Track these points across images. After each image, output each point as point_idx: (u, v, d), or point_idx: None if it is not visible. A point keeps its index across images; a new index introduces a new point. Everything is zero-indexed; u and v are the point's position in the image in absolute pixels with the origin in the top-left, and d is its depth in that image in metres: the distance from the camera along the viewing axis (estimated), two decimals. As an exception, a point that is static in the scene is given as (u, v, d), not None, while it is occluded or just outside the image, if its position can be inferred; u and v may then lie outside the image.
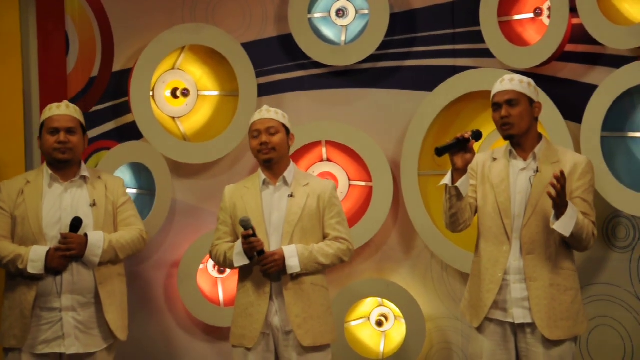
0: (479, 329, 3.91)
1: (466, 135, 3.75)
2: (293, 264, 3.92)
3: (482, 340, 3.90)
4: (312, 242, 4.01)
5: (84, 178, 4.13)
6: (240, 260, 3.95)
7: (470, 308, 3.96)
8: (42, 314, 3.99)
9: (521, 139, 3.87)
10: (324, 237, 4.05)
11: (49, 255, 3.94)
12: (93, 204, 4.08)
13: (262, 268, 3.94)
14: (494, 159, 3.93)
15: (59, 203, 4.05)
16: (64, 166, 4.10)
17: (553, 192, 3.62)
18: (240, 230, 3.95)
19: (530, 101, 3.86)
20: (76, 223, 3.98)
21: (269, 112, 4.06)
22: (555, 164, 3.83)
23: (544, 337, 3.78)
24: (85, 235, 4.00)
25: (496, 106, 3.87)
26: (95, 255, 4.00)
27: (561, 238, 3.77)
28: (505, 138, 3.89)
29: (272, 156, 4.01)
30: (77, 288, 4.00)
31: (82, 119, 4.17)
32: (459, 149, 3.74)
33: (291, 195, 4.01)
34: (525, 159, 3.87)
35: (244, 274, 4.03)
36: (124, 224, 4.17)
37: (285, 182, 4.04)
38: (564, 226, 3.67)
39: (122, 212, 4.19)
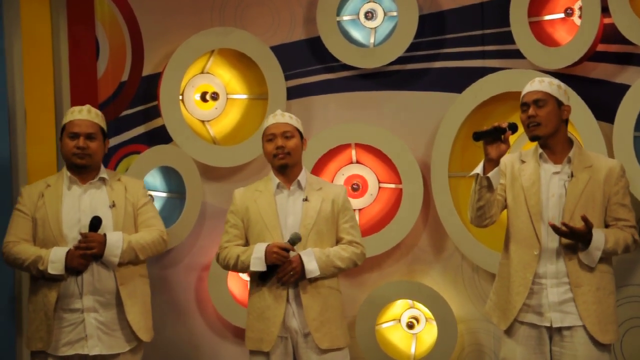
0: (509, 332, 3.90)
1: (503, 125, 3.75)
2: (312, 268, 3.93)
3: (513, 344, 3.88)
4: (326, 246, 4.02)
5: (102, 180, 4.13)
6: (258, 265, 3.93)
7: (497, 310, 3.95)
8: (65, 315, 4.00)
9: (548, 140, 3.87)
10: (337, 240, 4.07)
11: (69, 255, 3.94)
12: (112, 205, 4.08)
13: (281, 279, 3.93)
14: (522, 162, 3.93)
15: (77, 205, 4.06)
16: (82, 170, 4.10)
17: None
18: (255, 233, 3.99)
19: (559, 103, 3.86)
20: (95, 222, 3.98)
21: (284, 116, 4.07)
22: (588, 169, 3.84)
23: (581, 342, 3.77)
24: (104, 235, 4.01)
25: (524, 106, 3.88)
26: (115, 256, 3.99)
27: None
28: (532, 139, 3.89)
29: (288, 161, 4.02)
30: (98, 289, 4.00)
31: (103, 124, 4.17)
32: (495, 138, 3.75)
33: (306, 199, 4.02)
34: (555, 162, 3.87)
35: (258, 277, 4.01)
36: (145, 225, 4.16)
37: (300, 186, 4.05)
38: (588, 259, 3.77)
39: (143, 213, 4.18)
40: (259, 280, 3.96)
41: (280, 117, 4.07)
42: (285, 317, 3.96)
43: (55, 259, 3.95)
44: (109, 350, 4.03)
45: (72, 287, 3.98)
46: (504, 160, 3.92)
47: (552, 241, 3.81)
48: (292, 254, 3.94)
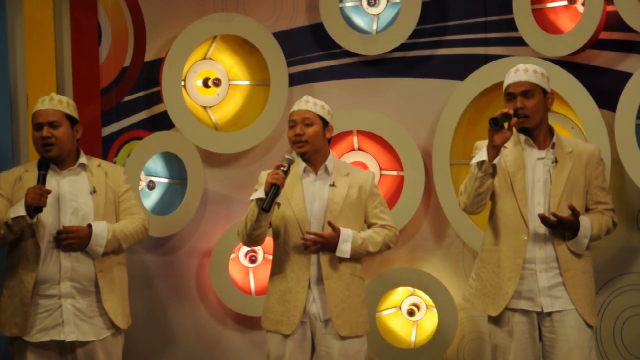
0: (500, 321, 3.91)
1: (510, 112, 3.75)
2: (345, 248, 3.92)
3: (506, 334, 3.90)
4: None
5: (82, 166, 4.10)
6: (258, 194, 3.88)
7: (483, 296, 3.95)
8: (41, 301, 3.97)
9: (534, 130, 3.89)
10: (369, 226, 4.07)
11: (27, 192, 3.86)
12: (93, 191, 4.06)
13: (305, 247, 3.90)
14: (504, 147, 3.92)
15: (57, 190, 4.00)
16: (55, 160, 4.04)
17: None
18: (279, 213, 3.95)
19: (544, 92, 3.87)
20: (44, 161, 3.92)
21: (308, 102, 4.05)
22: (570, 154, 3.89)
23: (573, 324, 3.81)
24: (89, 225, 3.98)
25: (510, 96, 3.89)
26: (99, 246, 3.98)
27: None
28: (520, 130, 3.90)
29: (305, 149, 4.01)
30: (76, 275, 3.97)
31: (68, 110, 4.08)
32: (502, 124, 3.74)
33: (333, 185, 4.01)
34: (539, 148, 3.89)
35: (281, 259, 4.02)
36: (127, 213, 4.14)
37: (327, 171, 4.05)
38: (577, 246, 3.83)
39: (125, 201, 4.15)
40: (262, 210, 3.85)
41: (304, 103, 4.06)
42: (306, 302, 3.97)
43: (17, 206, 3.87)
44: (85, 337, 4.00)
45: (51, 273, 3.95)
46: (484, 146, 3.93)
47: (540, 226, 3.84)
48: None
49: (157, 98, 5.16)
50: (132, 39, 5.12)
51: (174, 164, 5.13)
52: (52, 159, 4.02)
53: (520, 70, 3.89)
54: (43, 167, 3.93)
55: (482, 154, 3.80)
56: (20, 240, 3.99)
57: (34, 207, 3.84)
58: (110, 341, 4.07)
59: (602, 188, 3.94)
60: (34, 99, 4.72)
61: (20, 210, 3.85)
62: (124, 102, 5.13)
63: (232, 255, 5.11)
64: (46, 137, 4.00)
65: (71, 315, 3.97)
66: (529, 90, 3.85)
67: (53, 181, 4.03)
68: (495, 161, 3.77)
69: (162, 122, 5.12)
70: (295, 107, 4.06)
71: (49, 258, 3.97)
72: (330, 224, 3.94)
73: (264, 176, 4.09)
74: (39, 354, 4.00)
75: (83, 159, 4.11)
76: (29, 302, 3.94)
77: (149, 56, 5.16)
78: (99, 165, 4.15)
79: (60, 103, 4.09)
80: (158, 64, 5.12)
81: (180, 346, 5.16)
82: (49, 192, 3.88)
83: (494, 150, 3.77)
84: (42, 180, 3.90)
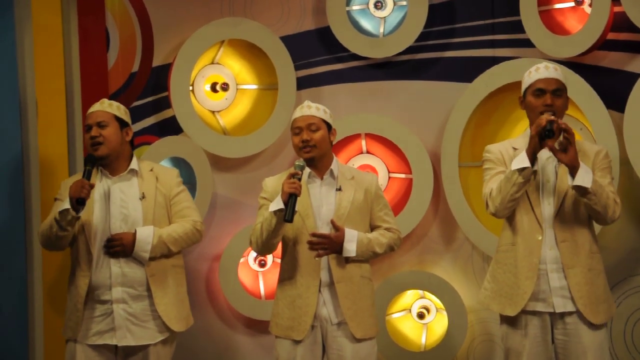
0: (515, 323, 3.89)
1: (554, 117, 3.72)
2: (350, 248, 3.93)
3: (520, 337, 3.87)
4: None
5: (133, 172, 4.13)
6: (276, 205, 3.86)
7: (499, 297, 3.92)
8: (96, 305, 4.03)
9: None
10: (373, 229, 4.07)
11: (70, 186, 3.94)
12: (142, 197, 4.09)
13: (312, 248, 3.91)
14: (515, 149, 3.90)
15: (107, 196, 4.07)
16: (107, 162, 4.10)
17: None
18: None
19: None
20: (90, 158, 4.02)
21: (310, 108, 4.04)
22: (578, 153, 3.82)
23: (585, 326, 3.78)
24: (135, 232, 4.01)
25: (540, 92, 3.83)
26: (145, 251, 4.00)
27: (589, 221, 3.82)
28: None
29: (314, 154, 4.00)
30: (127, 280, 4.02)
31: (118, 113, 4.13)
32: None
33: (339, 189, 4.01)
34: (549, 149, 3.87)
35: (290, 265, 4.02)
36: (179, 215, 4.15)
37: (332, 176, 4.05)
38: (582, 179, 3.67)
39: (176, 203, 4.17)
40: (284, 221, 3.83)
41: (307, 109, 4.04)
42: (317, 306, 3.96)
43: (63, 202, 3.96)
44: (138, 342, 4.03)
45: (103, 279, 4.01)
46: (497, 149, 3.92)
47: (550, 227, 3.81)
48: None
49: (165, 103, 5.18)
50: (140, 44, 5.14)
51: (183, 169, 5.13)
52: (101, 158, 4.08)
53: (550, 68, 3.87)
54: (89, 163, 4.02)
55: (522, 160, 3.73)
56: (76, 246, 4.07)
57: (77, 200, 3.90)
58: (163, 345, 4.10)
59: (603, 175, 3.82)
60: (43, 105, 4.77)
61: (65, 204, 3.93)
62: (132, 108, 5.13)
63: (242, 260, 5.12)
64: (94, 136, 4.07)
65: (123, 320, 4.02)
66: (559, 88, 3.83)
67: (104, 186, 4.09)
68: (535, 167, 3.74)
69: (171, 127, 5.13)
70: (298, 114, 4.05)
71: (100, 264, 4.03)
72: (333, 223, 3.94)
73: (269, 183, 4.09)
74: (94, 355, 4.05)
75: (134, 164, 4.14)
76: (82, 307, 4.02)
77: (157, 61, 5.18)
78: (152, 170, 4.18)
79: (110, 106, 4.16)
80: (166, 69, 5.14)
81: (190, 350, 5.16)
82: (92, 185, 3.95)
83: (534, 156, 3.73)
84: (86, 175, 3.97)
